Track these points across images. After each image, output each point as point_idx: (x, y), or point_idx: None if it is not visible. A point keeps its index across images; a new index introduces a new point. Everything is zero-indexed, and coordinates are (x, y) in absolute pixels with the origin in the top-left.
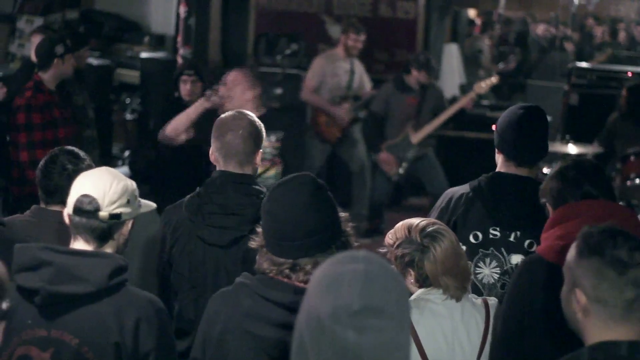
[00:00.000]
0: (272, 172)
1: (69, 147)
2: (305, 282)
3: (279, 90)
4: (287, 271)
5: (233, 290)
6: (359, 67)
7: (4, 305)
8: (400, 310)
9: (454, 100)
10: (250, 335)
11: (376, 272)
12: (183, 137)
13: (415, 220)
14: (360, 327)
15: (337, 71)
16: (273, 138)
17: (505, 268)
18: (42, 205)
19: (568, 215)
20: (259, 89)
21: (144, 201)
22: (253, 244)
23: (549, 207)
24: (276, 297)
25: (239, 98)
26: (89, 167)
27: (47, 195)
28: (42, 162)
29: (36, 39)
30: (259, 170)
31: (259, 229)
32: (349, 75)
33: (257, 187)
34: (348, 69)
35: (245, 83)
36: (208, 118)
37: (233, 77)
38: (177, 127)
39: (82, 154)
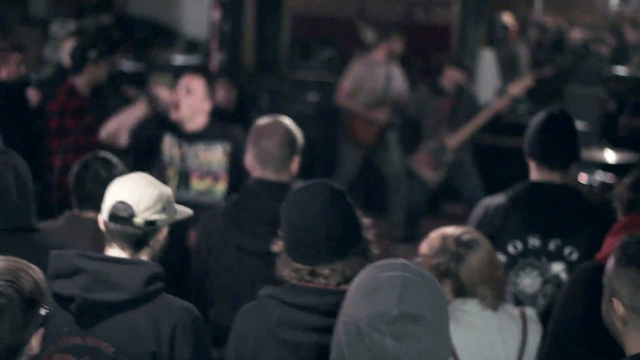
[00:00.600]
0: (220, 187)
1: (102, 153)
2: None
3: (313, 96)
4: (306, 277)
5: (259, 304)
6: (397, 72)
7: (43, 312)
8: (439, 318)
9: (488, 105)
10: (285, 344)
11: (414, 280)
12: (121, 142)
13: (450, 229)
14: (398, 334)
15: (375, 76)
16: (220, 149)
17: (546, 277)
18: (76, 211)
19: (636, 224)
20: (212, 99)
21: (179, 207)
22: (275, 248)
23: (619, 212)
24: (305, 301)
25: (191, 107)
26: (122, 174)
27: (80, 201)
28: (75, 168)
29: (69, 44)
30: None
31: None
32: (386, 80)
33: None
34: (385, 74)
35: (201, 92)
36: (145, 125)
37: (187, 83)
38: (111, 130)
39: (115, 160)
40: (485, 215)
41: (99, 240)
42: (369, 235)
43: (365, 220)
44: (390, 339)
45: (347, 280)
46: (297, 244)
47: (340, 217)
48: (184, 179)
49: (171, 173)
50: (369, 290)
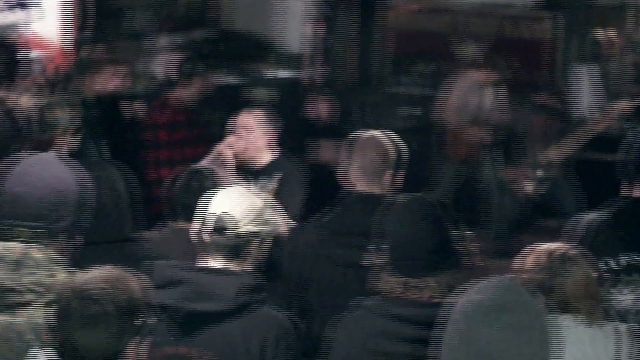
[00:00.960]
0: None
1: (197, 166)
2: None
3: (414, 111)
4: (398, 288)
5: (359, 315)
6: (498, 91)
7: (151, 321)
8: (538, 316)
9: (583, 121)
10: (379, 354)
11: (516, 284)
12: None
13: (545, 245)
14: (501, 323)
15: (476, 92)
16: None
17: None
18: (170, 222)
19: None
20: (275, 132)
21: (278, 218)
22: (366, 262)
23: None
24: (399, 312)
25: (252, 144)
26: (216, 186)
27: (174, 212)
28: (170, 180)
29: (171, 58)
30: None
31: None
32: (487, 96)
33: None
34: (487, 91)
35: (260, 128)
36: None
37: (244, 121)
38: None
39: (209, 172)
40: (587, 231)
41: (190, 251)
42: (462, 248)
43: (468, 233)
44: (494, 328)
45: (439, 293)
46: (393, 256)
47: (435, 232)
48: None
49: None
50: (475, 289)
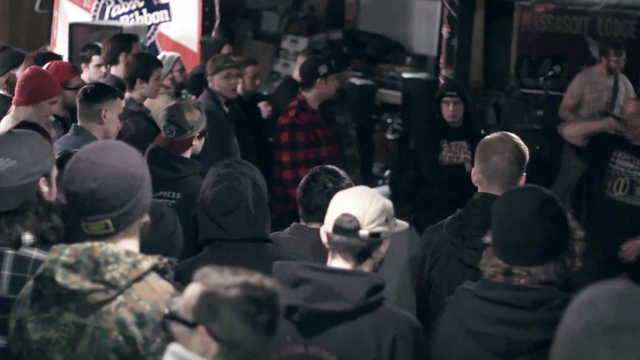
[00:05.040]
0: None
1: (330, 166)
2: None
3: (541, 112)
4: (501, 274)
5: (455, 298)
6: (625, 85)
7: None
8: None
9: None
10: (474, 334)
11: (635, 292)
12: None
13: None
14: (614, 344)
15: (598, 88)
16: None
17: None
18: (302, 222)
19: None
20: None
21: (398, 221)
22: (486, 240)
23: None
24: (495, 295)
25: None
26: (349, 186)
27: (307, 212)
28: (303, 180)
29: (301, 60)
30: None
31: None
32: (611, 92)
33: None
34: (611, 86)
35: None
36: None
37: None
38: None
39: (342, 172)
40: None
41: (319, 251)
42: (577, 247)
43: (579, 233)
44: (606, 349)
45: (543, 283)
46: (501, 242)
47: (546, 224)
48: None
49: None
50: (587, 302)
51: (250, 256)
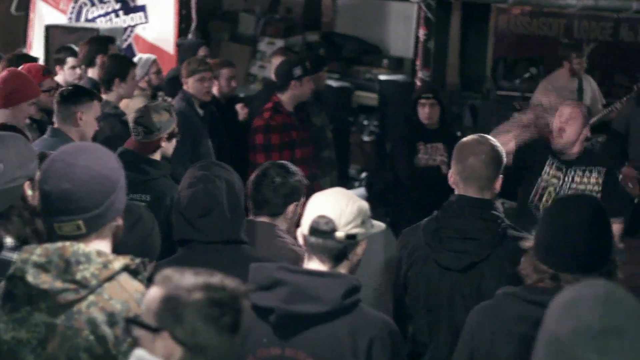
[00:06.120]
0: None
1: (281, 161)
2: None
3: (517, 114)
4: (547, 280)
5: (496, 301)
6: (589, 86)
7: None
8: None
9: None
10: (519, 337)
11: (618, 295)
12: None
13: None
14: (601, 348)
15: (562, 92)
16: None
17: None
18: (251, 217)
19: None
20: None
21: (374, 222)
22: (525, 244)
23: None
24: (544, 299)
25: (569, 134)
26: (299, 182)
27: (256, 207)
28: (253, 176)
29: (276, 61)
30: None
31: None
32: (575, 94)
33: (495, 212)
34: (575, 88)
35: (580, 120)
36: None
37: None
38: None
39: (292, 168)
40: None
41: (264, 244)
42: (617, 259)
43: (620, 245)
44: (593, 354)
45: None
46: (548, 247)
47: (596, 234)
48: None
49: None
50: (571, 305)
51: (226, 258)
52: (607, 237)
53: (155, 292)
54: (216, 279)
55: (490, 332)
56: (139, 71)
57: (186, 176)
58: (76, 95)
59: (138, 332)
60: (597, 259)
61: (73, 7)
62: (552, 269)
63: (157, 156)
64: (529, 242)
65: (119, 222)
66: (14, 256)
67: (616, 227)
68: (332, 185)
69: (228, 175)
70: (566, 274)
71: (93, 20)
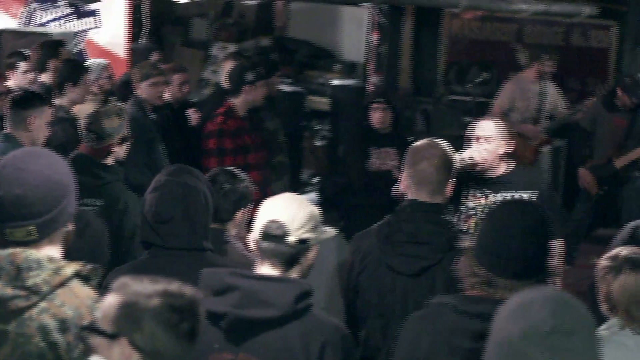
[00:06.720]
0: None
1: (229, 168)
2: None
3: (469, 119)
4: (482, 284)
5: (431, 311)
6: (551, 89)
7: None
8: (591, 334)
9: None
10: (457, 350)
11: (567, 298)
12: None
13: (630, 248)
14: (552, 348)
15: (527, 94)
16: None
17: None
18: None
19: None
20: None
21: (325, 227)
22: (464, 243)
23: None
24: (479, 310)
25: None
26: (247, 188)
27: None
28: None
29: (228, 65)
30: None
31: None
32: (539, 97)
33: (447, 217)
34: (538, 92)
35: (501, 134)
36: None
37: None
38: None
39: (240, 174)
40: (633, 237)
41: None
42: (550, 265)
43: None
44: (545, 352)
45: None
46: (490, 250)
47: (538, 241)
48: None
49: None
50: (520, 307)
51: (187, 265)
52: (545, 247)
53: (112, 299)
54: (175, 285)
55: (429, 343)
56: (91, 76)
57: (154, 180)
58: (27, 100)
59: (94, 339)
60: (533, 267)
61: (24, 12)
62: (488, 272)
63: (109, 161)
64: (469, 242)
65: (70, 227)
66: None
67: (558, 245)
68: (284, 189)
69: (194, 182)
70: (500, 278)
71: (45, 24)
